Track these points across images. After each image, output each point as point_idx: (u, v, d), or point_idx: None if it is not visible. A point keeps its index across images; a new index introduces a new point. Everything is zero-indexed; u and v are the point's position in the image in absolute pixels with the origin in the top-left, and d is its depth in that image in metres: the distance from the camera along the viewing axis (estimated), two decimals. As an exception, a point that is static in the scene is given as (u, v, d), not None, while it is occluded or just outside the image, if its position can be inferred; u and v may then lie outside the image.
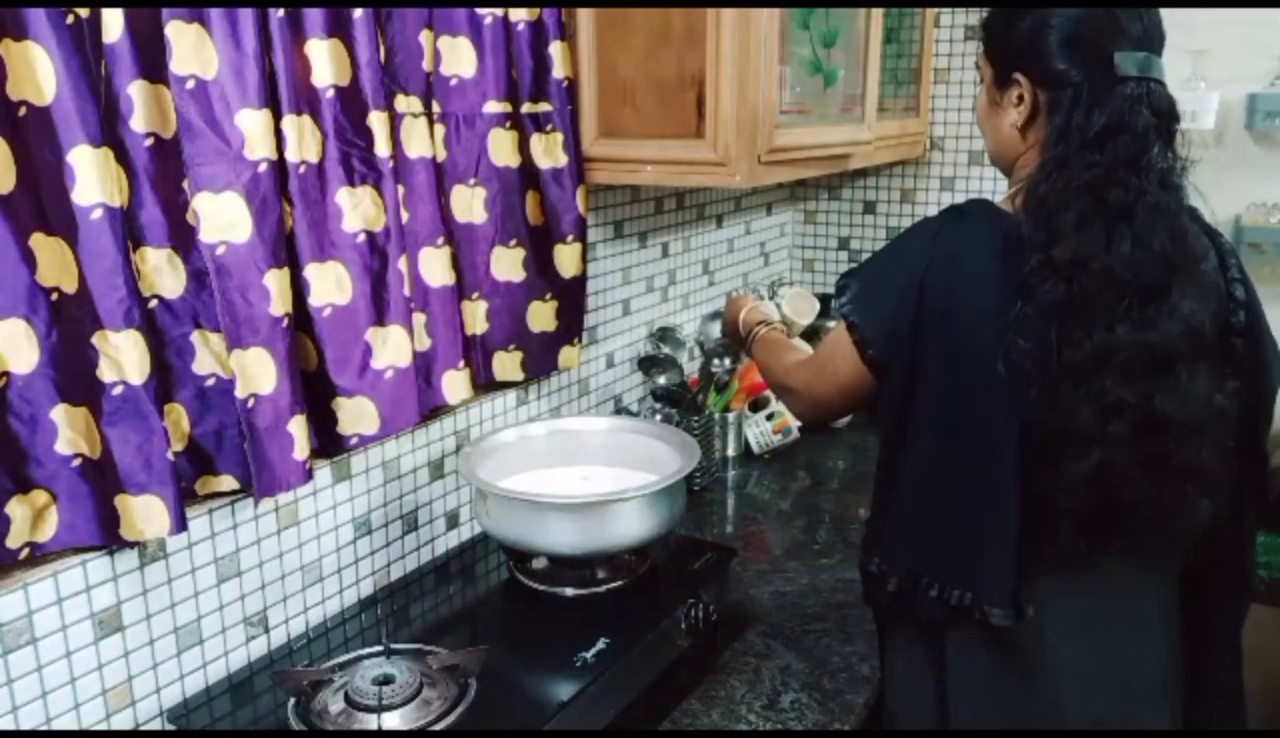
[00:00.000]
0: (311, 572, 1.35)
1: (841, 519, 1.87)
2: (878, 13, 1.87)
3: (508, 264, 1.56)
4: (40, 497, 1.02)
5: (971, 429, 1.07)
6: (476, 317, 1.55)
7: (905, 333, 1.08)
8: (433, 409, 1.49)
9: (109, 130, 1.01)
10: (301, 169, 1.19)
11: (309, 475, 1.23)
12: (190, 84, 1.07)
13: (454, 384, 1.49)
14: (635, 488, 1.32)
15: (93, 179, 0.97)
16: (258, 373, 1.15)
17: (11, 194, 0.95)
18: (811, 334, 2.42)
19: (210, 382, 1.16)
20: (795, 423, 2.18)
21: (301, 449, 1.20)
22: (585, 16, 1.57)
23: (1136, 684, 1.16)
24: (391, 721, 1.06)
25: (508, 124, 1.51)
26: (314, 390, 1.27)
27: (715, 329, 2.10)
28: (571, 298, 1.65)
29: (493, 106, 1.49)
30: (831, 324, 2.42)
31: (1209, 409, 1.05)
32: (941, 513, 1.11)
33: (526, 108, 1.53)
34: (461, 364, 1.49)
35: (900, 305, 1.08)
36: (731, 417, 2.13)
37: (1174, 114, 1.04)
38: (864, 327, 1.13)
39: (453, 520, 1.59)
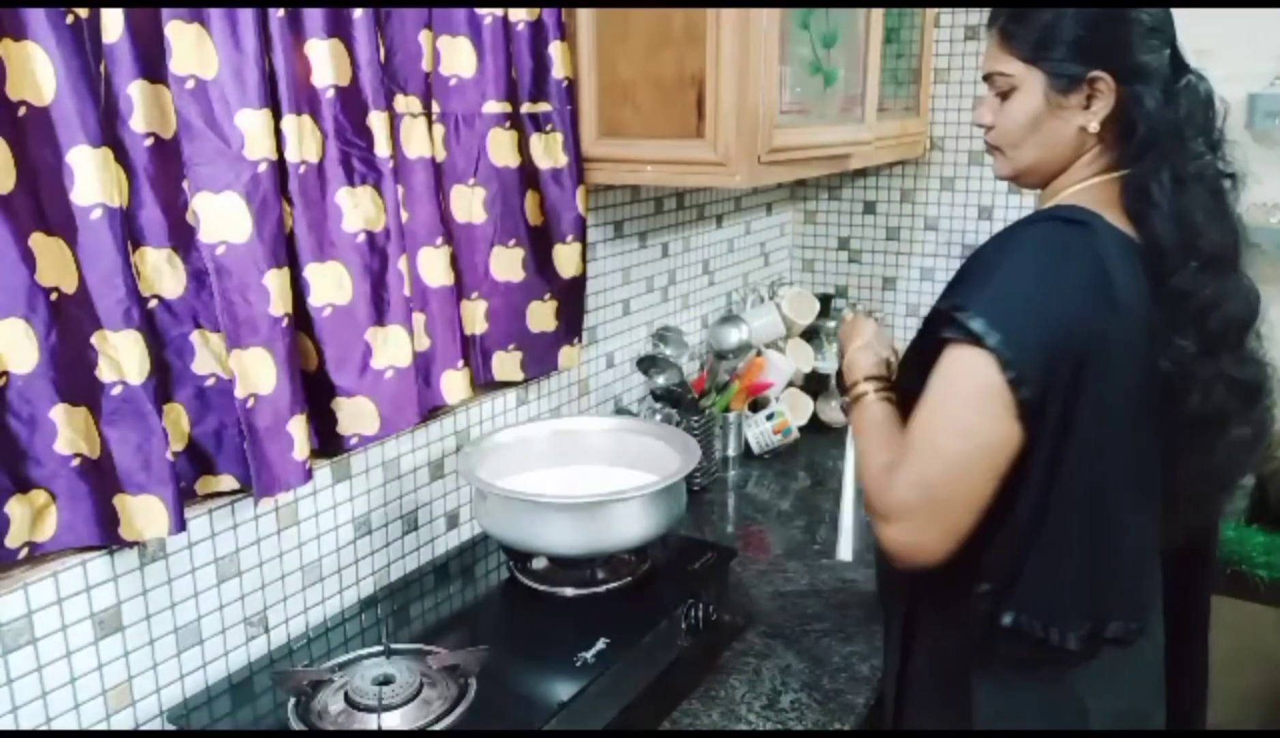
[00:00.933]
0: (311, 572, 1.35)
1: (841, 519, 1.87)
2: (878, 13, 1.87)
3: (507, 264, 1.56)
4: (40, 496, 1.02)
5: (1125, 454, 1.02)
6: (476, 317, 1.55)
7: (1066, 364, 0.97)
8: (433, 409, 1.49)
9: (108, 130, 1.01)
10: (301, 169, 1.19)
11: (309, 475, 1.23)
12: (190, 84, 1.07)
13: (453, 384, 1.49)
14: (635, 488, 1.32)
15: (92, 179, 0.97)
16: (257, 373, 1.15)
17: (11, 194, 0.95)
18: (811, 334, 2.42)
19: (210, 382, 1.16)
20: (796, 422, 2.18)
21: (301, 449, 1.20)
22: (585, 16, 1.57)
23: (1156, 672, 1.17)
24: (391, 721, 1.06)
25: (507, 124, 1.50)
26: (314, 390, 1.27)
27: (726, 335, 2.11)
28: (571, 298, 1.65)
29: (492, 106, 1.49)
30: (833, 324, 2.44)
31: (1273, 373, 1.09)
32: (1107, 548, 1.03)
33: (526, 108, 1.53)
34: (460, 364, 1.49)
35: (1056, 333, 0.97)
36: (731, 417, 2.13)
37: None
38: (1019, 364, 0.96)
39: (453, 520, 1.59)
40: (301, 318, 1.23)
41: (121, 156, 1.05)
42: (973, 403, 0.98)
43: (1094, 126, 1.06)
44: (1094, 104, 1.06)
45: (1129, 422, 1.02)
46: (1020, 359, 0.96)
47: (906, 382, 1.14)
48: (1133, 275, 1.01)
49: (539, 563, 1.42)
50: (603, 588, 1.36)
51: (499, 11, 1.45)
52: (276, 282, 1.15)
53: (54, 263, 0.99)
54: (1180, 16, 1.09)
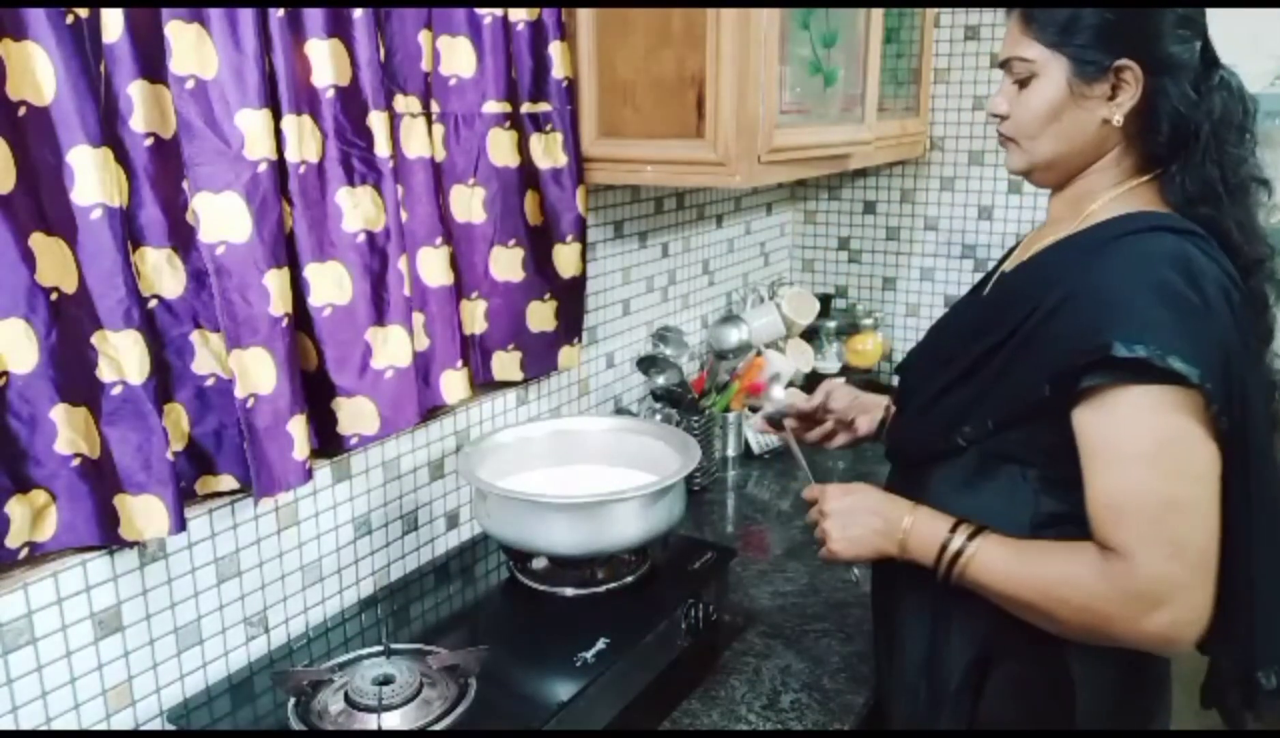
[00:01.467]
0: (311, 572, 1.35)
1: (841, 519, 1.87)
2: (878, 13, 1.87)
3: (506, 264, 1.56)
4: (40, 496, 1.02)
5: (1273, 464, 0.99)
6: (475, 316, 1.55)
7: (1236, 383, 0.92)
8: (433, 409, 1.49)
9: (108, 130, 1.01)
10: (301, 169, 1.19)
11: (309, 475, 1.23)
12: (190, 84, 1.07)
13: (452, 384, 1.49)
14: (635, 488, 1.32)
15: (92, 179, 0.97)
16: (257, 373, 1.15)
17: (11, 194, 0.95)
18: (811, 334, 2.42)
19: (210, 382, 1.16)
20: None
21: (301, 449, 1.20)
22: (585, 16, 1.57)
23: None
24: (391, 721, 1.06)
25: (507, 124, 1.50)
26: (314, 390, 1.27)
27: (726, 335, 2.11)
28: (571, 298, 1.65)
29: (492, 106, 1.49)
30: (833, 324, 2.44)
31: None
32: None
33: (526, 108, 1.53)
34: (460, 364, 1.49)
35: (1226, 353, 0.92)
36: (731, 417, 2.13)
37: None
38: (1220, 396, 0.90)
39: (453, 520, 1.59)
40: (301, 318, 1.23)
41: (121, 156, 1.05)
42: (1191, 441, 0.91)
43: (1118, 119, 1.01)
44: (1119, 95, 1.01)
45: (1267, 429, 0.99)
46: (1220, 391, 0.90)
47: (998, 444, 1.02)
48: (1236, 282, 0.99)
49: (539, 563, 1.42)
50: (603, 588, 1.36)
51: (499, 11, 1.45)
52: (276, 282, 1.15)
53: (54, 263, 0.99)
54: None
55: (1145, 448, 0.91)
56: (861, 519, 1.10)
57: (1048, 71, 1.03)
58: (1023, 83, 1.06)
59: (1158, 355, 0.88)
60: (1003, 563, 0.99)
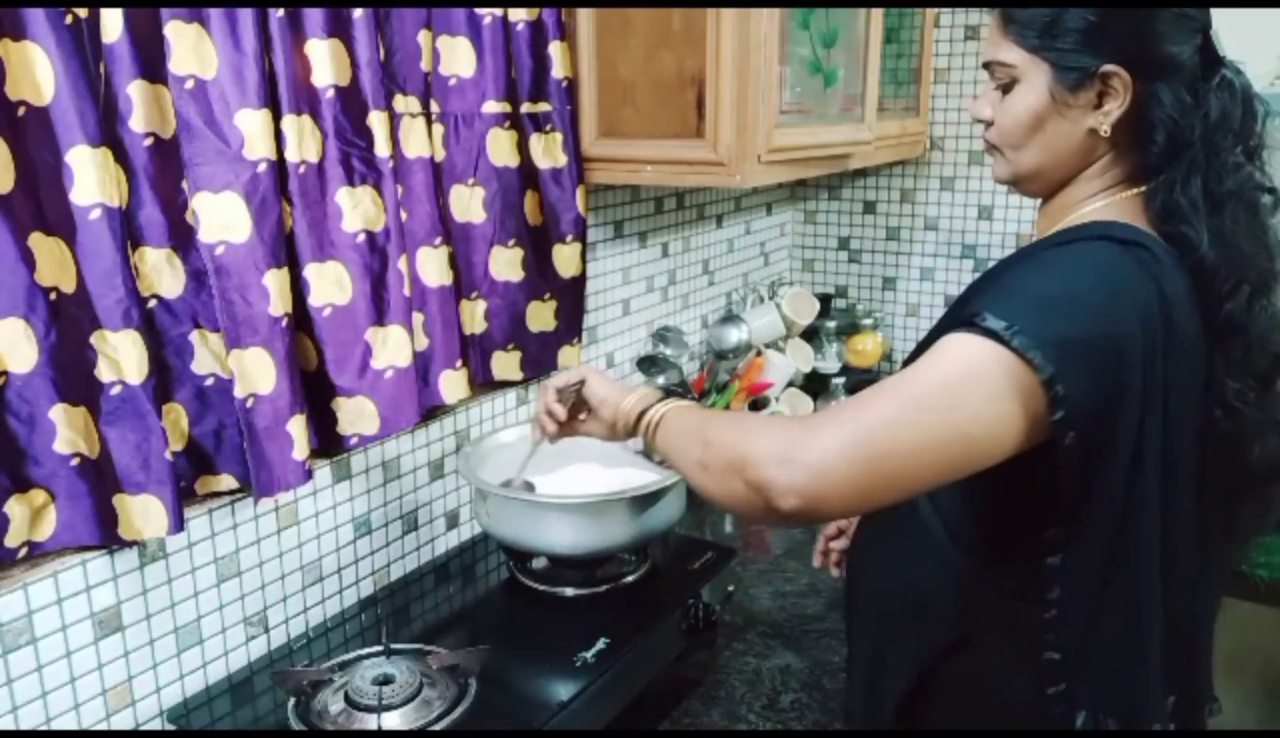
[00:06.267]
0: (311, 572, 1.35)
1: (842, 519, 1.87)
2: (878, 13, 1.87)
3: (506, 264, 1.56)
4: (39, 496, 1.02)
5: (1188, 513, 0.92)
6: (475, 316, 1.55)
7: (1117, 408, 0.86)
8: (433, 409, 1.49)
9: (108, 130, 1.01)
10: (301, 169, 1.19)
11: (308, 475, 1.23)
12: (189, 84, 1.07)
13: (451, 384, 1.49)
14: (635, 488, 1.32)
15: (91, 179, 0.97)
16: (257, 373, 1.15)
17: (10, 194, 0.95)
18: (811, 334, 2.42)
19: (209, 381, 1.16)
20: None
21: (301, 449, 1.20)
22: (585, 16, 1.57)
23: None
24: (391, 721, 1.06)
25: (507, 124, 1.50)
26: (314, 390, 1.27)
27: (726, 335, 2.11)
28: (571, 298, 1.65)
29: (492, 106, 1.49)
30: (833, 324, 2.44)
31: None
32: (1183, 609, 0.93)
33: (526, 108, 1.53)
34: (459, 364, 1.49)
35: (1107, 370, 0.85)
36: (731, 417, 2.13)
37: None
38: (1066, 401, 0.82)
39: (453, 520, 1.59)
40: (301, 318, 1.23)
41: (121, 156, 1.05)
42: (981, 395, 0.83)
43: (1105, 129, 0.93)
44: (1106, 103, 0.92)
45: (1189, 475, 0.90)
46: (1076, 395, 0.82)
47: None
48: (1189, 310, 0.89)
49: (539, 563, 1.42)
50: (603, 588, 1.36)
51: (498, 11, 1.45)
52: (276, 282, 1.15)
53: (53, 263, 0.99)
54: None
55: (934, 370, 0.85)
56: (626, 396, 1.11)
57: (1029, 77, 0.95)
58: (1005, 88, 0.98)
59: (1010, 332, 0.81)
60: (688, 414, 1.00)
